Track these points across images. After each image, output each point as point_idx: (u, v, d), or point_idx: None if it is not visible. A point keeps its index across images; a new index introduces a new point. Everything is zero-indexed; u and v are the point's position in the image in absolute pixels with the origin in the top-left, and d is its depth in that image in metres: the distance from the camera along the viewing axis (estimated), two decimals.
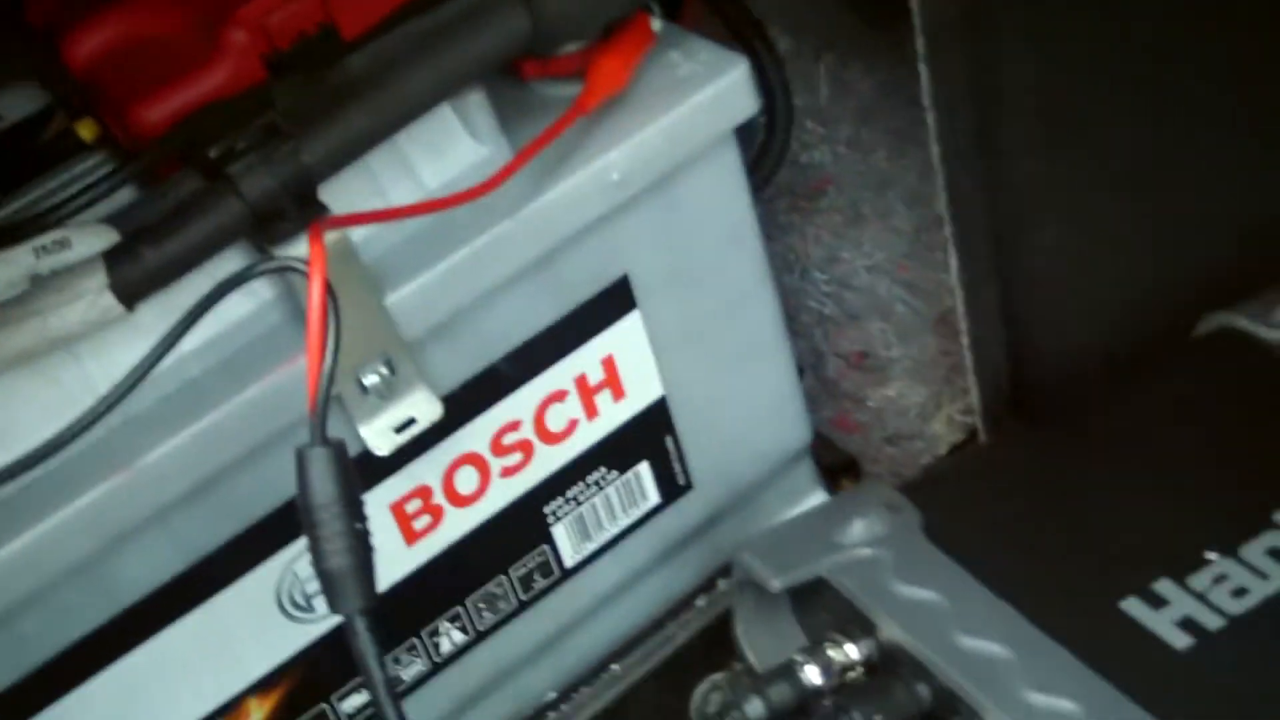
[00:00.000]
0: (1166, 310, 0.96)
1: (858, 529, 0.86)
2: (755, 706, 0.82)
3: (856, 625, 0.83)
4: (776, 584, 0.84)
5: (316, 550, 0.64)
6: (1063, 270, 0.98)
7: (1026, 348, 1.01)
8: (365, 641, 0.64)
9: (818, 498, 1.07)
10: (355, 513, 0.64)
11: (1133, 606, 0.78)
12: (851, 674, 0.83)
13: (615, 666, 1.02)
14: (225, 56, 0.78)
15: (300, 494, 0.64)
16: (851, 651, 0.83)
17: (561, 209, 0.82)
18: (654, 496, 0.96)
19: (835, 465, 1.13)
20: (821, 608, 0.86)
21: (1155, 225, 0.97)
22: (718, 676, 1.03)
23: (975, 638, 0.78)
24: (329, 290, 0.64)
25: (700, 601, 1.03)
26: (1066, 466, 0.89)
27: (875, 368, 1.16)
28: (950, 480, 0.96)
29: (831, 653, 0.83)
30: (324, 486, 0.64)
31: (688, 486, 0.98)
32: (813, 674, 0.83)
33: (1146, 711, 0.72)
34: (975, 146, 0.90)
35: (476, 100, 0.80)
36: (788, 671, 0.83)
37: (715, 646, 1.01)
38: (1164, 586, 0.78)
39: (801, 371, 1.04)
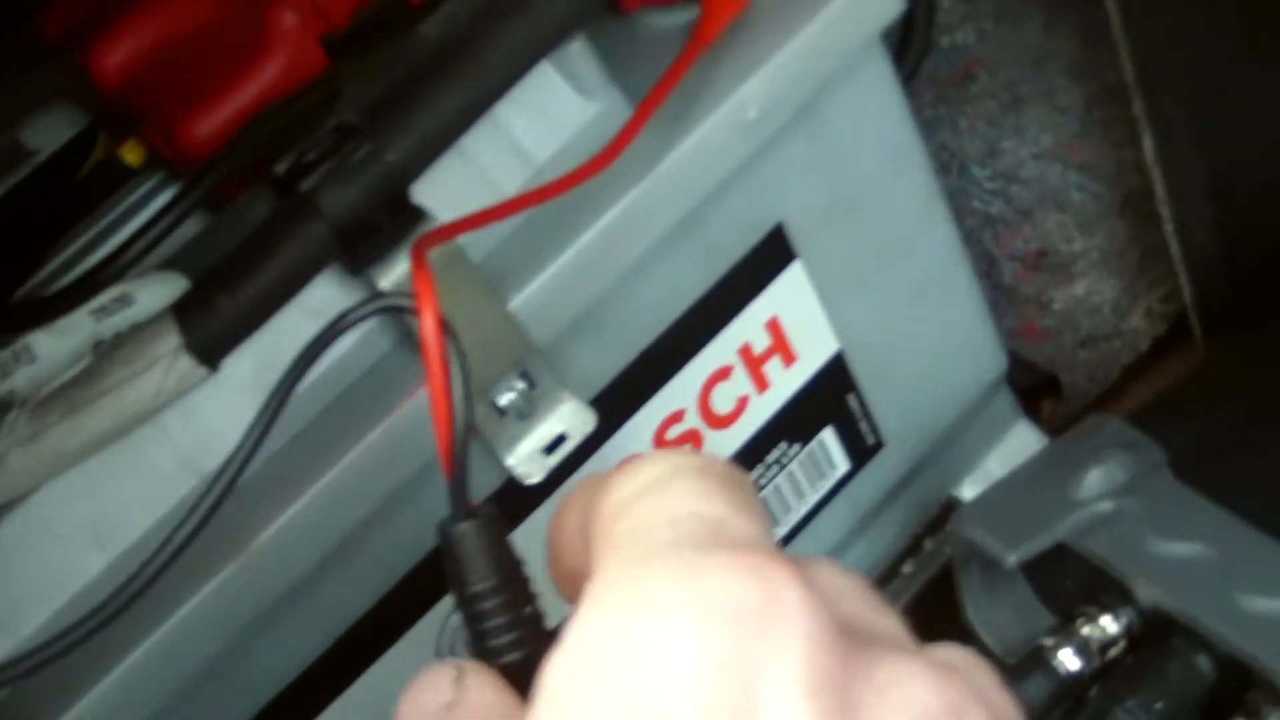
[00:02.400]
0: None
1: (1095, 479, 0.76)
2: None
3: (1110, 593, 0.74)
4: (1012, 559, 0.73)
5: (482, 646, 0.51)
6: (1277, 132, 0.84)
7: (1236, 225, 0.90)
8: None
9: (1021, 429, 0.96)
10: (522, 594, 0.51)
11: None
12: (1113, 651, 0.72)
13: None
14: (276, 45, 0.66)
15: (451, 583, 0.52)
16: (1109, 625, 0.74)
17: (697, 162, 0.70)
18: (843, 463, 0.86)
19: (1032, 387, 1.00)
20: (1064, 575, 0.75)
21: None
22: None
23: (1259, 595, 0.68)
24: (446, 327, 0.51)
25: (907, 567, 0.92)
26: None
27: (1057, 265, 1.04)
28: (1187, 404, 0.83)
29: (1086, 630, 0.73)
30: (477, 569, 0.51)
31: (878, 445, 0.88)
32: (1068, 659, 0.73)
33: None
34: None
35: (578, 49, 0.68)
36: (1038, 660, 0.72)
37: (932, 615, 0.90)
38: None
39: None
